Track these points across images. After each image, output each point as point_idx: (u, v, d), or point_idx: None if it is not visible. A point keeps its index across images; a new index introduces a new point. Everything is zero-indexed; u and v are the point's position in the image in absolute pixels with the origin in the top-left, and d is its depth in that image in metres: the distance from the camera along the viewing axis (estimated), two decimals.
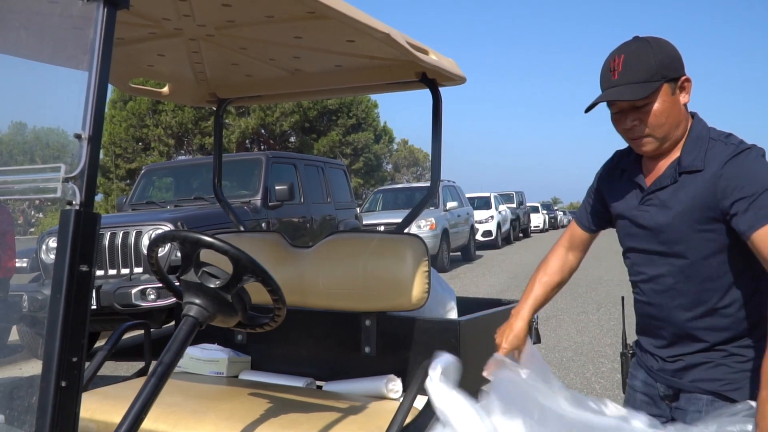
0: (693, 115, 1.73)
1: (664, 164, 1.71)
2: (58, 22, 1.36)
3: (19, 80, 1.91)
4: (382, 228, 13.53)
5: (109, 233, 5.75)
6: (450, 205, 14.86)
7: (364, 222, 13.92)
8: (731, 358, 1.65)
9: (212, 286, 1.57)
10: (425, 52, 2.14)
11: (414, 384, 1.93)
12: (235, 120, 26.47)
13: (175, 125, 25.94)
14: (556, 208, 53.53)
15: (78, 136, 1.04)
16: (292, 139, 29.36)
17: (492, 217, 20.50)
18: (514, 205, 26.25)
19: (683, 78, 1.65)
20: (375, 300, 2.30)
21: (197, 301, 1.58)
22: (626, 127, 1.67)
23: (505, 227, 22.30)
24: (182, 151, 27.09)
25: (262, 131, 28.25)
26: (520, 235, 27.39)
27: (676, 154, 1.68)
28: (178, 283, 1.72)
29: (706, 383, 1.67)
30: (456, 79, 2.37)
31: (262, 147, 28.74)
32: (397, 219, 13.85)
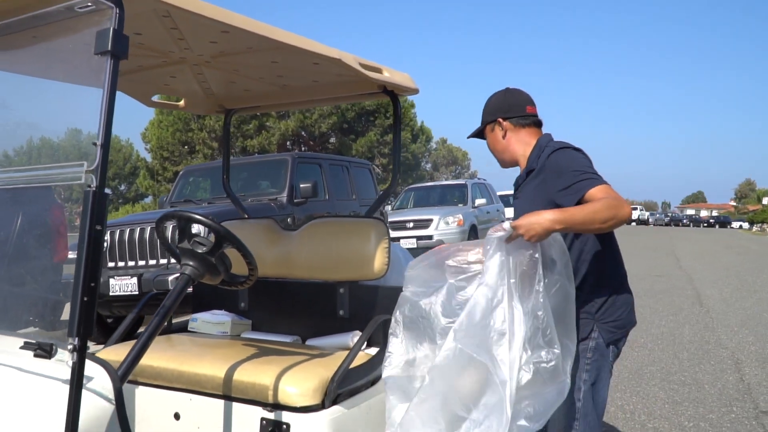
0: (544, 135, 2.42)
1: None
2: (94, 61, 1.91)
3: (65, 98, 2.51)
4: (411, 224, 14.08)
5: (149, 227, 6.42)
6: (479, 202, 15.26)
7: (394, 219, 14.47)
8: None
9: (200, 251, 2.13)
10: (378, 71, 2.67)
11: (364, 336, 2.47)
12: (276, 122, 27.35)
13: (218, 129, 26.97)
14: None
15: (95, 144, 1.60)
16: (332, 140, 30.11)
17: None
18: None
19: (497, 120, 2.42)
20: (346, 271, 2.84)
21: (190, 263, 2.14)
22: None
23: None
24: None
25: (302, 133, 29.07)
26: None
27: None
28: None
29: None
30: (410, 91, 2.90)
31: (303, 148, 29.56)
32: (427, 216, 14.37)
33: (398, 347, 2.28)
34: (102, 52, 1.61)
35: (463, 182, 17.03)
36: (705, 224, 71.48)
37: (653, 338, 6.81)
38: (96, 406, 1.62)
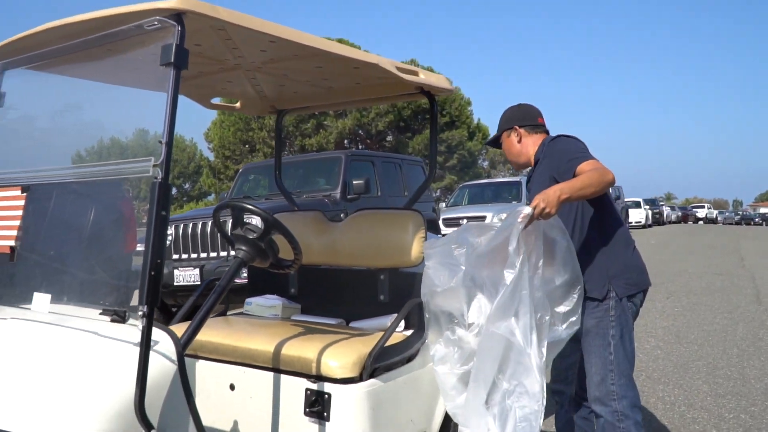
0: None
1: None
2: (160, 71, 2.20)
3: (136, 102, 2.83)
4: (465, 221, 14.20)
5: (210, 222, 6.81)
6: None
7: (448, 215, 14.63)
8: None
9: (251, 237, 2.39)
10: (414, 73, 2.88)
11: (399, 317, 2.70)
12: (333, 121, 27.83)
13: None
14: (662, 203, 51.58)
15: (160, 142, 1.87)
16: (388, 138, 30.41)
17: None
18: None
19: (512, 128, 2.87)
20: (386, 259, 3.08)
21: (243, 247, 2.40)
22: None
23: None
24: (285, 152, 28.74)
25: (359, 131, 29.47)
26: None
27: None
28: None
29: None
30: (445, 91, 3.10)
31: (360, 146, 29.97)
32: (482, 213, 14.47)
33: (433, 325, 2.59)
34: (166, 64, 1.89)
35: (518, 179, 17.02)
36: None
37: (704, 334, 6.78)
38: (161, 367, 1.89)
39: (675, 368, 5.40)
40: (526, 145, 2.86)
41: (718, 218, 63.12)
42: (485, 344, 2.33)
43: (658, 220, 39.95)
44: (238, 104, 3.54)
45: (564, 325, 2.43)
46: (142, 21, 1.92)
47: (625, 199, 30.25)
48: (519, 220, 2.27)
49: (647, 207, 36.93)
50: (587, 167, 2.45)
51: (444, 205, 16.23)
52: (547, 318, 2.36)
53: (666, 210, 46.32)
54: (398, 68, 2.75)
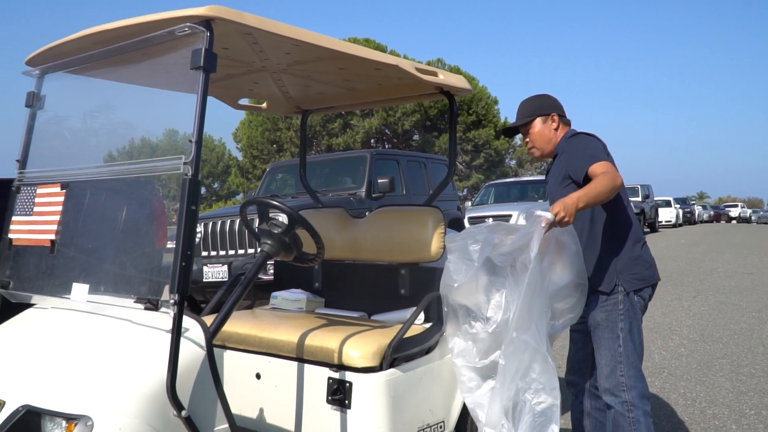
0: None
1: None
2: (190, 74, 2.32)
3: (167, 104, 2.97)
4: (490, 220, 14.22)
5: (238, 220, 6.97)
6: None
7: (474, 214, 14.66)
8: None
9: (276, 232, 2.50)
10: (434, 74, 2.97)
11: (418, 310, 2.79)
12: (360, 121, 27.97)
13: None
14: (693, 202, 50.75)
15: (190, 141, 1.99)
16: (415, 137, 30.46)
17: None
18: (639, 199, 25.71)
19: (551, 115, 2.92)
20: (407, 254, 3.17)
21: (268, 241, 2.52)
22: (526, 142, 3.02)
23: None
24: (312, 151, 28.97)
25: (386, 130, 29.57)
26: (647, 229, 26.80)
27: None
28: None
29: None
30: (464, 91, 3.19)
31: (386, 145, 30.08)
32: (507, 212, 14.46)
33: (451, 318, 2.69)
34: (196, 67, 2.01)
35: (544, 178, 16.97)
36: None
37: (730, 333, 6.75)
38: (191, 352, 2.01)
39: (699, 365, 5.40)
40: (557, 135, 2.94)
41: (752, 217, 61.87)
42: (511, 352, 2.42)
43: (689, 220, 39.37)
44: (264, 105, 3.67)
45: (561, 321, 2.57)
46: (174, 27, 2.05)
47: (655, 198, 29.91)
48: (543, 225, 2.35)
49: (678, 206, 36.41)
50: (599, 169, 2.54)
51: (469, 203, 16.25)
52: (548, 314, 2.46)
53: (698, 209, 45.59)
54: (418, 69, 2.85)
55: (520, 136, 3.12)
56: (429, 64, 30.39)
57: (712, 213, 53.27)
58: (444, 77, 3.03)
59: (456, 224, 10.04)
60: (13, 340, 2.35)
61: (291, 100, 3.62)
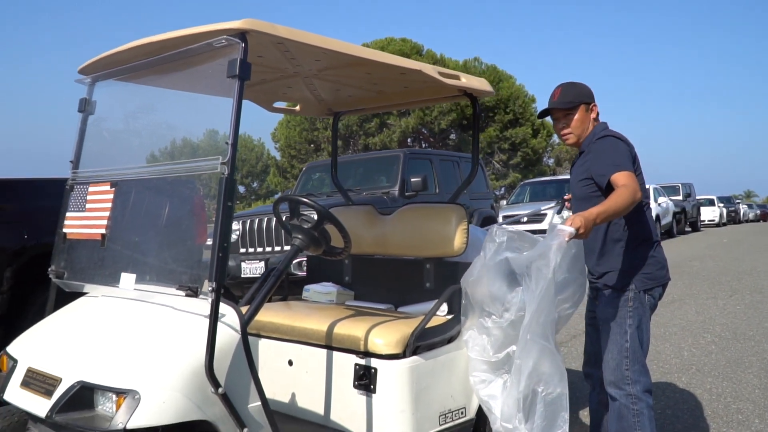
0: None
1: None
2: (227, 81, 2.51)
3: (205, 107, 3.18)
4: (525, 219, 14.24)
5: (275, 218, 7.20)
6: None
7: (508, 213, 14.69)
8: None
9: (306, 227, 2.69)
10: (456, 78, 3.12)
11: (440, 301, 2.94)
12: (396, 120, 28.13)
13: (342, 127, 28.09)
14: (739, 201, 49.57)
15: (227, 143, 2.19)
16: (452, 136, 30.49)
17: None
18: (680, 198, 25.29)
19: (592, 104, 2.92)
20: (432, 249, 3.33)
21: (299, 236, 2.70)
22: (559, 127, 2.88)
23: (666, 220, 21.69)
24: (349, 150, 29.25)
25: (422, 130, 29.68)
26: (688, 228, 26.37)
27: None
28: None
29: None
30: (486, 93, 3.33)
31: (423, 145, 30.19)
32: (542, 210, 14.45)
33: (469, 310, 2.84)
34: (232, 76, 2.20)
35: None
36: None
37: (764, 331, 6.71)
38: (227, 335, 2.20)
39: (728, 363, 5.43)
40: (592, 126, 2.93)
41: None
42: (526, 353, 2.55)
43: (734, 219, 38.53)
44: (297, 107, 3.86)
45: (563, 315, 2.73)
46: (212, 39, 2.24)
47: (697, 197, 29.38)
48: (566, 239, 2.41)
49: (721, 205, 35.69)
50: (621, 180, 2.57)
51: (504, 202, 16.28)
52: (556, 313, 2.63)
53: (743, 208, 44.58)
54: (440, 73, 3.00)
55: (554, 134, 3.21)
56: (465, 62, 30.39)
57: (758, 212, 51.89)
58: (466, 80, 3.18)
59: (489, 222, 10.13)
60: (68, 324, 2.59)
61: (323, 103, 3.81)
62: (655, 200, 20.65)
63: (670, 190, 24.92)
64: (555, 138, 38.04)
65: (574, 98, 2.90)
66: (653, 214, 20.50)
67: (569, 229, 2.40)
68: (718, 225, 33.47)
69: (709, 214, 33.07)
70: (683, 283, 10.50)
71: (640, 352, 2.75)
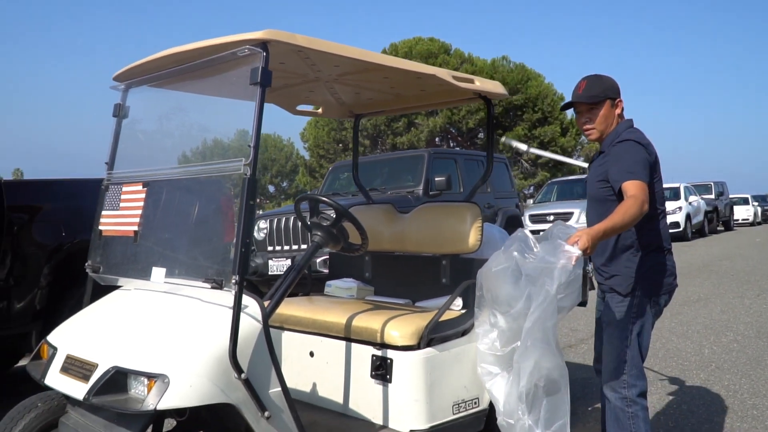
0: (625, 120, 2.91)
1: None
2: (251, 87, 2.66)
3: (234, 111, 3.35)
4: (551, 217, 14.26)
5: None
6: None
7: (536, 212, 14.69)
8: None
9: (325, 224, 2.83)
10: (470, 81, 3.24)
11: (453, 295, 3.07)
12: (424, 120, 28.20)
13: (370, 127, 28.30)
14: None
15: (249, 146, 2.35)
16: (480, 135, 30.45)
17: (680, 208, 19.85)
18: (712, 196, 24.95)
19: (618, 99, 2.87)
20: (448, 246, 3.46)
21: (319, 233, 2.85)
22: (582, 122, 2.93)
23: (697, 219, 21.43)
24: (377, 150, 29.40)
25: (450, 129, 29.70)
26: (721, 228, 25.98)
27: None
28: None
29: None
30: (499, 95, 3.45)
31: (451, 144, 30.22)
32: (568, 209, 14.46)
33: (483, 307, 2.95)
34: (254, 83, 2.36)
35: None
36: None
37: None
38: (250, 325, 2.36)
39: (748, 360, 5.45)
40: (617, 122, 2.90)
41: None
42: (525, 356, 2.62)
43: None
44: (320, 110, 4.02)
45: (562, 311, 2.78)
46: (236, 49, 2.40)
47: (730, 196, 28.92)
48: (573, 263, 2.44)
49: (756, 203, 35.03)
50: (631, 190, 2.57)
51: (531, 201, 16.29)
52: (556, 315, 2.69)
53: None
54: (455, 77, 3.13)
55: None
56: (494, 61, 30.29)
57: None
58: (480, 84, 3.29)
59: (514, 222, 10.18)
60: (104, 315, 2.78)
61: (344, 106, 3.96)
62: (686, 199, 20.44)
63: (702, 189, 24.60)
64: (584, 137, 37.63)
65: (599, 92, 2.83)
66: (684, 213, 20.43)
67: (576, 252, 2.40)
68: (752, 224, 32.87)
69: (742, 213, 32.51)
70: (711, 283, 10.43)
71: (638, 357, 2.80)
